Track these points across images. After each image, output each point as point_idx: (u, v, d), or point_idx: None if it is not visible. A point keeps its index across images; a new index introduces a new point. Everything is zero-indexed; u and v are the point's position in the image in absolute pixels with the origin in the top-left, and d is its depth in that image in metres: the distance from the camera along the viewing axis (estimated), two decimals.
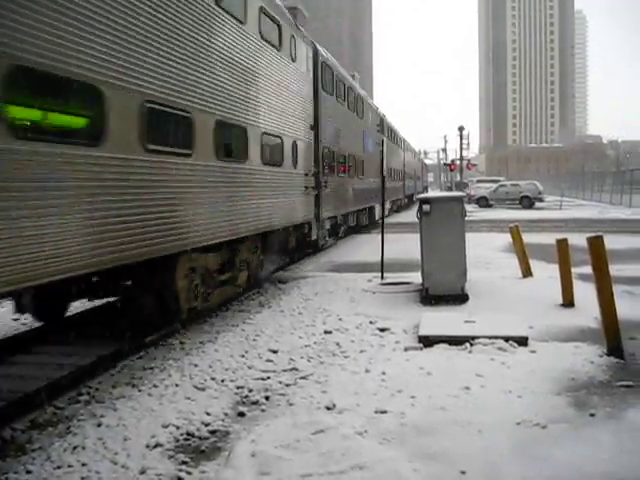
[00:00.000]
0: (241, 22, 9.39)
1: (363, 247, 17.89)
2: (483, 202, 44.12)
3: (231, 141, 9.40)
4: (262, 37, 10.37)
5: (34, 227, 4.92)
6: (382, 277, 11.85)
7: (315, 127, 14.36)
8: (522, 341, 6.98)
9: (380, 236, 12.96)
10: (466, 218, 9.94)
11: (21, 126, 4.96)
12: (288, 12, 11.73)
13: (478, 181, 63.57)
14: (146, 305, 7.83)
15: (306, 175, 13.46)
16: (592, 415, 4.97)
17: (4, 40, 4.61)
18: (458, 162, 52.65)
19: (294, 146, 12.45)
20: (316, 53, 15.01)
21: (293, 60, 12.51)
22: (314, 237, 14.86)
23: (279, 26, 11.46)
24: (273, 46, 11.08)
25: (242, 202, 9.44)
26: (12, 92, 4.78)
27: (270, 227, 11.02)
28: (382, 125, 28.65)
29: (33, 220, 4.91)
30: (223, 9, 8.65)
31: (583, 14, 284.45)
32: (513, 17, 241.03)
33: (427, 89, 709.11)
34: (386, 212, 28.08)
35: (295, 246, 13.83)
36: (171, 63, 7.14)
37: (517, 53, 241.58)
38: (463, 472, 4.04)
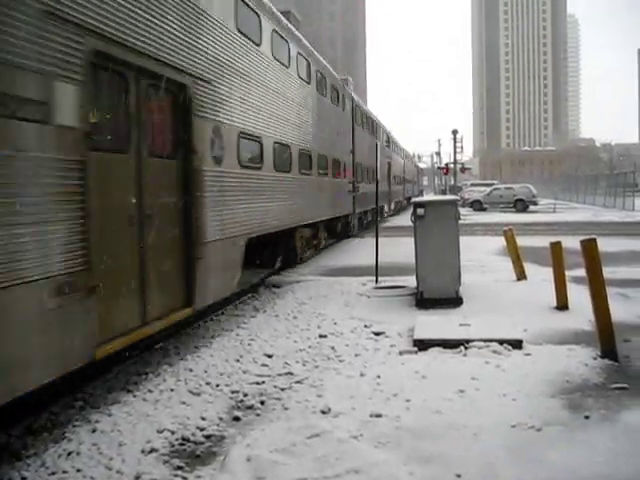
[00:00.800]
0: (322, 94, 16.24)
1: (357, 251, 17.89)
2: (477, 206, 44.21)
3: (320, 162, 15.71)
4: (329, 98, 17.31)
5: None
6: (377, 281, 11.86)
7: (352, 150, 20.70)
8: (516, 344, 6.99)
9: (374, 240, 12.96)
10: (460, 221, 9.97)
11: (246, 164, 9.61)
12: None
13: (472, 185, 63.73)
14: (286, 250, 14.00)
15: (348, 182, 19.93)
16: (587, 417, 4.98)
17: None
18: (452, 166, 52.73)
19: (344, 164, 19.49)
20: (352, 100, 21.57)
21: (343, 110, 19.66)
22: (352, 224, 21.70)
23: (338, 92, 18.76)
24: (333, 102, 17.91)
25: (321, 200, 15.97)
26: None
27: (332, 215, 17.71)
28: (389, 140, 35.45)
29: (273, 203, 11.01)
30: (319, 93, 15.84)
31: (575, 18, 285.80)
32: (505, 21, 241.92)
33: (421, 92, 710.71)
34: (390, 211, 35.61)
35: (340, 230, 20.27)
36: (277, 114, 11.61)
37: (510, 57, 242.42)
38: (459, 475, 4.04)
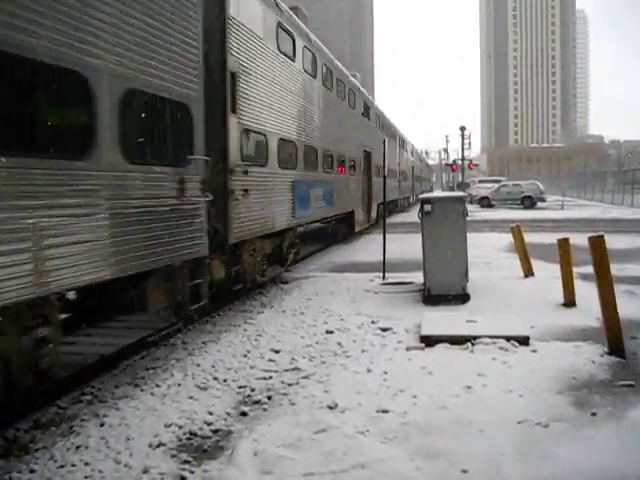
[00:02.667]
0: (364, 116, 22.29)
1: (365, 247, 17.90)
2: (485, 202, 44.09)
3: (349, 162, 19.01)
4: (361, 114, 21.95)
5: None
6: (384, 277, 11.86)
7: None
8: (523, 341, 6.99)
9: (382, 236, 12.97)
10: (468, 218, 9.95)
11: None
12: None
13: (480, 181, 63.54)
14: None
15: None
16: (593, 414, 4.98)
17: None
18: (460, 162, 52.62)
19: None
20: (376, 109, 26.60)
21: (369, 119, 24.04)
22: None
23: (368, 108, 23.63)
24: (351, 107, 19.84)
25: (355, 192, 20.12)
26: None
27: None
28: (403, 143, 38.90)
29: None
30: (364, 116, 22.09)
31: (585, 13, 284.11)
32: (514, 17, 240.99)
33: (428, 88, 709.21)
34: (414, 201, 40.70)
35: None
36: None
37: (518, 53, 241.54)
38: (465, 471, 4.05)
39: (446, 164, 66.19)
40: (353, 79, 20.45)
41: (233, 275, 9.47)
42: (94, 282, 5.36)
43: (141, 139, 6.34)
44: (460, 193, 12.00)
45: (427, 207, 9.77)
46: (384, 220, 13.55)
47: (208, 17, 8.02)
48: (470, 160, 57.45)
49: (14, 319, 4.77)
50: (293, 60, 12.28)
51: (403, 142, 38.69)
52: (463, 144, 53.67)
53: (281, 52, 11.37)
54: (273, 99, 10.82)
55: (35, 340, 5.05)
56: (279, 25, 11.25)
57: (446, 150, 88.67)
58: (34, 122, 4.86)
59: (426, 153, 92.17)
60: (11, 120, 4.56)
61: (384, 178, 13.71)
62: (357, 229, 20.49)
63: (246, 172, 9.31)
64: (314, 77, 14.24)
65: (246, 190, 9.30)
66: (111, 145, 5.59)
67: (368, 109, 23.39)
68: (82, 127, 5.37)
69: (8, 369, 4.83)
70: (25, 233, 4.55)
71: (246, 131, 9.44)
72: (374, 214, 23.82)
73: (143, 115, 6.36)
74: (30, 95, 4.81)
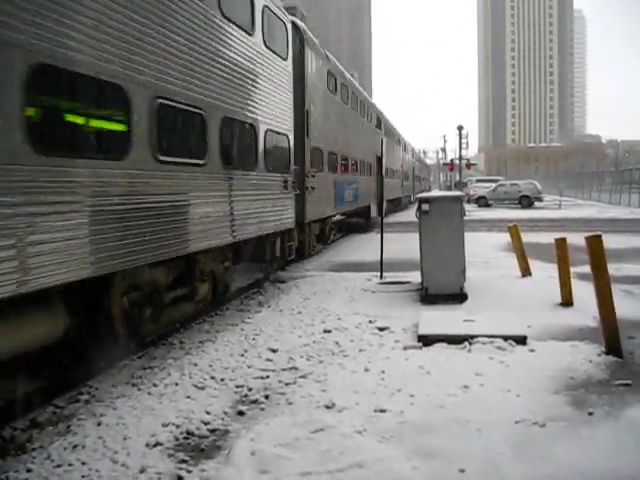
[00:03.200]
0: (377, 127, 26.89)
1: (362, 246, 17.91)
2: (482, 202, 44.17)
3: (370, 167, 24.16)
4: (375, 125, 26.52)
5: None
6: (381, 276, 11.86)
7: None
8: (521, 340, 7.00)
9: (379, 235, 12.97)
10: (465, 217, 9.96)
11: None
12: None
13: (477, 181, 63.57)
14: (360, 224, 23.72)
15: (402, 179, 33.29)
16: (590, 414, 4.98)
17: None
18: (457, 162, 52.54)
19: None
20: (385, 120, 30.85)
21: (380, 129, 27.78)
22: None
23: (380, 120, 28.02)
24: (369, 121, 24.95)
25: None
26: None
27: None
28: (405, 147, 43.86)
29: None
30: (376, 127, 26.90)
31: (582, 13, 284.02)
32: (512, 16, 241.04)
33: (426, 88, 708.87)
34: (414, 200, 41.93)
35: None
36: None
37: (516, 53, 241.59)
38: (462, 470, 4.05)
39: (444, 163, 66.12)
40: (369, 98, 26.23)
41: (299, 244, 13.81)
42: (255, 235, 10.04)
43: (272, 158, 10.65)
44: (458, 192, 12.02)
45: (425, 206, 9.78)
46: (382, 219, 13.56)
47: (295, 75, 12.27)
48: (468, 159, 57.34)
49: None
50: (335, 94, 17.46)
51: (405, 146, 44.62)
52: (461, 143, 53.49)
53: (328, 90, 16.45)
54: (325, 124, 15.77)
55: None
56: (328, 71, 16.37)
57: (444, 149, 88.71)
58: (235, 152, 9.11)
59: (424, 152, 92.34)
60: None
61: (382, 177, 13.73)
62: (373, 217, 25.58)
63: (313, 176, 14.23)
64: (346, 104, 19.55)
65: (313, 188, 14.19)
66: (263, 163, 10.19)
67: (380, 121, 28.81)
68: (254, 154, 9.92)
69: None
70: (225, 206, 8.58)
71: (312, 148, 14.28)
72: (384, 208, 27.88)
73: (274, 144, 10.84)
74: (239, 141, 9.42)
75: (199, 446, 4.72)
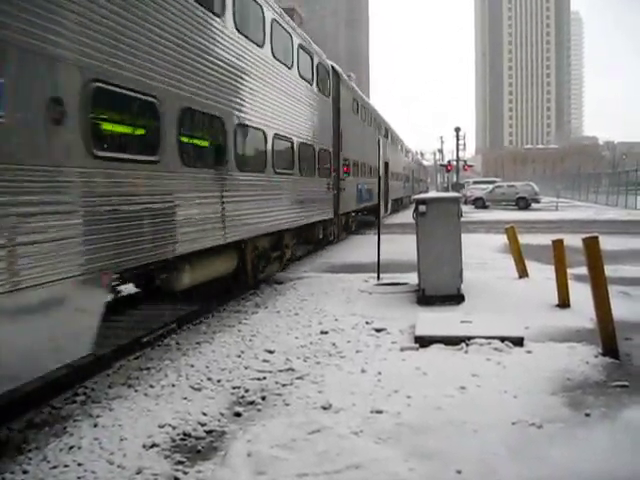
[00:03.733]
0: (385, 136, 29.47)
1: (359, 248, 17.91)
2: (479, 203, 44.20)
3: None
4: (384, 135, 29.17)
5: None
6: (378, 277, 11.86)
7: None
8: (518, 341, 7.00)
9: (376, 236, 12.97)
10: (462, 219, 9.96)
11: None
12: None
13: (474, 182, 63.60)
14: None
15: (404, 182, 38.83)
16: (587, 415, 4.99)
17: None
18: (454, 163, 52.61)
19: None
20: (392, 130, 35.81)
21: (385, 136, 30.20)
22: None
23: (387, 130, 32.72)
24: (375, 129, 27.49)
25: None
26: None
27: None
28: (406, 153, 49.00)
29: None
30: (385, 137, 29.60)
31: (579, 15, 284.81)
32: (509, 18, 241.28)
33: (423, 89, 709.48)
34: (408, 202, 44.44)
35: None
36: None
37: (513, 54, 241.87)
38: (459, 472, 4.05)
39: (441, 165, 66.20)
40: (379, 113, 30.84)
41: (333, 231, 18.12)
42: (312, 221, 13.99)
43: (322, 167, 14.78)
44: (455, 194, 12.01)
45: (422, 208, 9.77)
46: (378, 221, 13.56)
47: (333, 107, 16.63)
48: (465, 161, 57.46)
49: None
50: (356, 115, 21.74)
51: (407, 152, 50.17)
52: (458, 145, 53.60)
53: (352, 112, 20.66)
54: (350, 139, 19.68)
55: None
56: (353, 98, 20.89)
57: (441, 151, 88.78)
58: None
59: (421, 154, 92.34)
60: None
61: (379, 179, 13.74)
62: (381, 215, 31.63)
63: (344, 179, 18.49)
64: (364, 121, 23.98)
65: (344, 189, 18.48)
66: (317, 171, 14.22)
67: (387, 131, 33.46)
68: (313, 165, 13.95)
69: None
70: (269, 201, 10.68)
71: (343, 159, 18.39)
72: (389, 206, 33.71)
73: (323, 157, 14.89)
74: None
75: (196, 447, 4.71)
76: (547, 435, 4.61)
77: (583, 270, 7.00)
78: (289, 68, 11.83)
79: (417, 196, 10.68)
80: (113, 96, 5.78)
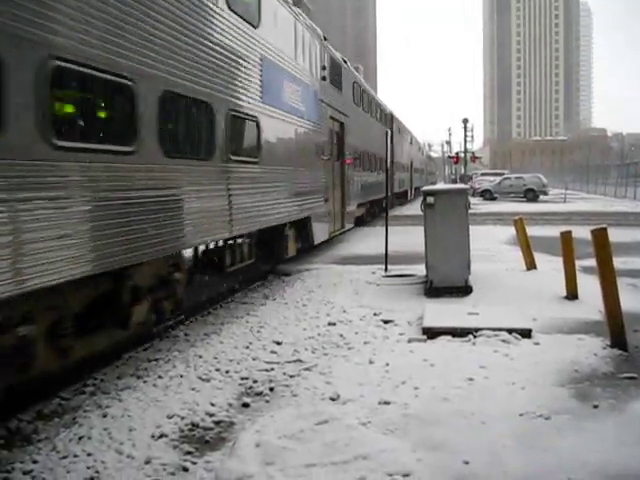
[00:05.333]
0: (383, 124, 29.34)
1: (367, 239, 17.88)
2: (487, 195, 44.08)
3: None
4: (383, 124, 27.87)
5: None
6: (386, 269, 11.86)
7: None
8: (526, 333, 6.99)
9: (384, 228, 12.96)
10: (470, 211, 9.94)
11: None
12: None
13: (482, 174, 63.42)
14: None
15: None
16: (595, 407, 4.99)
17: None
18: (462, 155, 52.44)
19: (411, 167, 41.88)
20: (393, 117, 31.68)
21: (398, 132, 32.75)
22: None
23: (399, 129, 34.51)
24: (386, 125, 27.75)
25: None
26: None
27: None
28: (420, 149, 55.89)
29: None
30: (410, 142, 41.81)
31: (588, 6, 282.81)
32: (518, 9, 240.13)
33: (431, 80, 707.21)
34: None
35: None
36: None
37: (521, 46, 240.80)
38: (466, 462, 4.06)
39: (448, 156, 65.99)
40: (396, 117, 33.18)
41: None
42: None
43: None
44: (462, 185, 11.98)
45: (429, 199, 9.76)
46: (386, 212, 13.54)
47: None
48: (473, 152, 57.25)
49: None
50: (384, 124, 26.39)
51: (420, 148, 56.06)
52: (466, 136, 53.40)
53: (380, 122, 25.23)
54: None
55: None
56: (392, 116, 28.58)
57: (449, 143, 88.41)
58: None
59: (429, 145, 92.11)
60: None
61: (386, 171, 13.70)
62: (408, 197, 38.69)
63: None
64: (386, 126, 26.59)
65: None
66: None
67: (400, 129, 34.74)
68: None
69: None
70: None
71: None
72: (411, 194, 42.79)
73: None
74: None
75: (204, 438, 4.73)
76: (555, 426, 4.61)
77: (592, 262, 6.98)
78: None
79: (425, 188, 10.66)
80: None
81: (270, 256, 11.87)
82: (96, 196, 5.26)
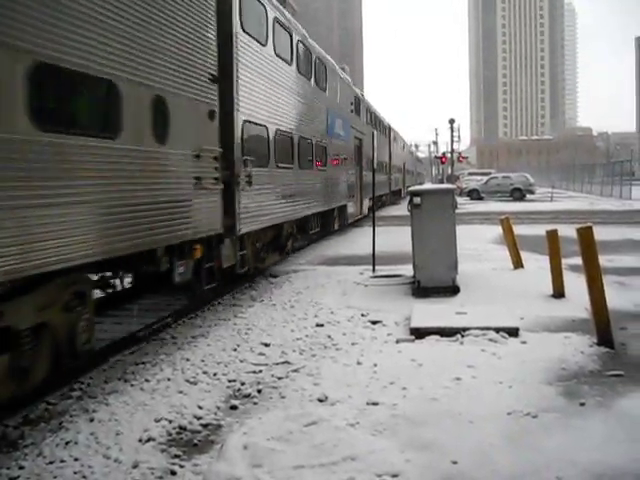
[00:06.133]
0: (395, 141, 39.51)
1: (355, 240, 17.90)
2: (474, 195, 44.25)
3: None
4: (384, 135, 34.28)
5: None
6: (374, 270, 11.86)
7: (390, 156, 36.16)
8: (513, 332, 7.02)
9: (372, 228, 12.97)
10: (457, 210, 9.96)
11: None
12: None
13: (469, 174, 63.65)
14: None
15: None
16: (582, 404, 5.00)
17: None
18: (449, 155, 52.60)
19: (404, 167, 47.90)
20: (390, 128, 36.90)
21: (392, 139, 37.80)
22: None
23: (396, 138, 41.12)
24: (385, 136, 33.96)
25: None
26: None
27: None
28: (411, 153, 61.82)
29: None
30: (401, 146, 46.71)
31: (573, 6, 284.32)
32: (503, 10, 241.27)
33: (418, 81, 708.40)
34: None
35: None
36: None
37: (507, 46, 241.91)
38: (455, 462, 4.06)
39: (435, 157, 66.19)
40: (388, 122, 36.22)
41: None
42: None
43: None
44: (449, 185, 12.01)
45: (416, 199, 9.77)
46: (373, 213, 13.55)
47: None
48: (459, 153, 57.42)
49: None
50: (385, 136, 31.82)
51: (411, 152, 62.10)
52: (452, 136, 53.52)
53: (379, 132, 27.27)
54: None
55: None
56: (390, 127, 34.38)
57: (436, 143, 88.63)
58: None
59: (416, 146, 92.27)
60: None
61: (373, 171, 13.71)
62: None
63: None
64: (386, 137, 32.97)
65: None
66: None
67: (390, 132, 37.34)
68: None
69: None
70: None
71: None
72: (404, 192, 44.26)
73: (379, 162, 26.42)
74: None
75: (192, 441, 4.71)
76: (542, 425, 4.62)
77: (578, 260, 7.00)
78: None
79: (411, 188, 10.67)
80: None
81: (326, 227, 17.75)
82: None
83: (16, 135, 4.62)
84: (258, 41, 10.22)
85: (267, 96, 10.70)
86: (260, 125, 10.36)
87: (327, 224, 17.61)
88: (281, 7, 12.11)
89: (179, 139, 7.20)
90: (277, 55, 11.39)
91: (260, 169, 10.17)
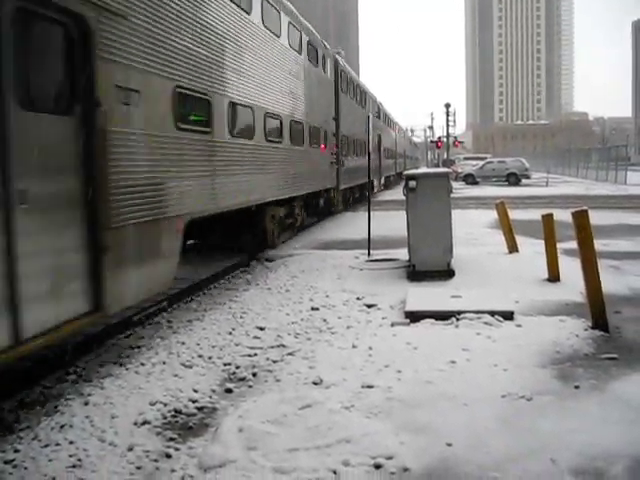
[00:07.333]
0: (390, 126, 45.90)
1: (350, 224, 17.89)
2: (470, 179, 44.24)
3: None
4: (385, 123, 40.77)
5: None
6: (369, 254, 11.86)
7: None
8: (508, 315, 7.02)
9: (367, 213, 12.96)
10: (453, 195, 9.94)
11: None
12: None
13: (465, 158, 63.62)
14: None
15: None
16: (577, 387, 5.02)
17: None
18: (445, 139, 52.60)
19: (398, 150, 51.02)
20: (393, 121, 46.39)
21: (389, 125, 43.44)
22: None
23: (385, 116, 41.12)
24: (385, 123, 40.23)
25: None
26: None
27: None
28: (409, 140, 68.45)
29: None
30: (400, 133, 55.65)
31: None
32: None
33: (414, 65, 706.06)
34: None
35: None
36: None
37: (503, 30, 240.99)
38: (449, 444, 4.07)
39: (431, 141, 66.22)
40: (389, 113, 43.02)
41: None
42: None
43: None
44: (444, 169, 11.99)
45: (412, 183, 9.74)
46: (369, 197, 13.53)
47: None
48: (455, 137, 57.42)
49: None
50: (386, 125, 38.35)
51: (410, 140, 68.86)
52: (448, 121, 53.58)
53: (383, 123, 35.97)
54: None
55: None
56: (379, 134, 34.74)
57: (431, 127, 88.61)
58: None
59: (411, 131, 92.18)
60: None
61: (368, 155, 13.67)
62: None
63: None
64: (388, 125, 40.30)
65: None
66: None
67: (390, 120, 42.83)
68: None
69: None
70: None
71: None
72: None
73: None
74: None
75: (187, 424, 4.71)
76: (537, 407, 4.64)
77: (573, 245, 7.01)
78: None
79: (407, 172, 10.64)
80: None
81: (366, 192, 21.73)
82: None
83: (257, 143, 10.97)
84: (349, 96, 22.63)
85: (352, 122, 22.38)
86: (348, 136, 21.89)
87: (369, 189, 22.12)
88: (361, 82, 26.95)
89: (320, 144, 16.95)
90: (357, 101, 25.27)
91: (348, 158, 21.95)
